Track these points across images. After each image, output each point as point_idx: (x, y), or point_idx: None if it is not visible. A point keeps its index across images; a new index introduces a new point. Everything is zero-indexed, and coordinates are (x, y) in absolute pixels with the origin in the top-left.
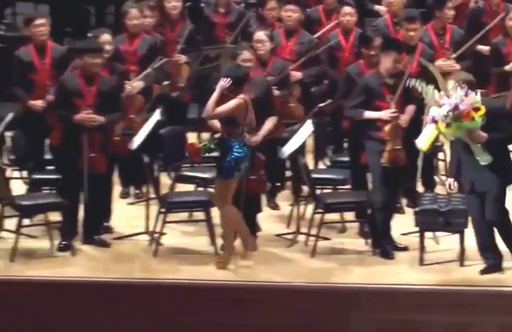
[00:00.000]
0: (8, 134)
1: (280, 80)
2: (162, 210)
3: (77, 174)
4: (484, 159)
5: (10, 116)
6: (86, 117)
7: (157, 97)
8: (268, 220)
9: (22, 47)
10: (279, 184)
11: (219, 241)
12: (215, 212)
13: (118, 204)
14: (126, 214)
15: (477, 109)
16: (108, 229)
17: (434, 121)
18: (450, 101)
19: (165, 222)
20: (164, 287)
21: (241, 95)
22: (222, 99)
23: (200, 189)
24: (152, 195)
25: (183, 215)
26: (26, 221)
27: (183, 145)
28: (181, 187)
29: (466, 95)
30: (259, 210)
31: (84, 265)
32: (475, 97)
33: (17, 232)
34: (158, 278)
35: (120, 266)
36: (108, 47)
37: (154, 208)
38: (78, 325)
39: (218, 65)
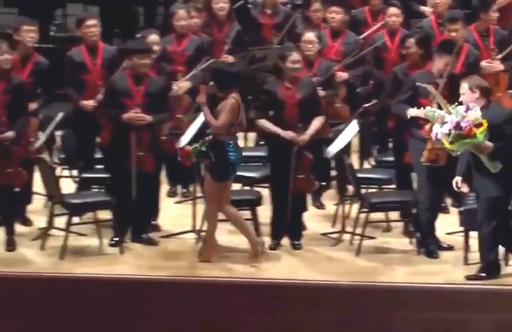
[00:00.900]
0: (58, 133)
1: (326, 80)
2: None
3: (125, 173)
4: (494, 167)
5: (60, 116)
6: (135, 116)
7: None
8: (314, 220)
9: (74, 47)
10: (324, 183)
11: (266, 240)
12: (261, 211)
13: (166, 203)
14: (174, 213)
15: (478, 125)
16: (156, 228)
17: (437, 139)
18: (451, 119)
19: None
20: (209, 285)
21: (232, 94)
22: (214, 101)
23: (247, 187)
24: (199, 194)
25: None
26: (76, 219)
27: None
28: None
29: (467, 110)
30: (305, 209)
31: (131, 263)
32: (476, 113)
33: (67, 230)
34: (204, 276)
35: (166, 264)
36: (156, 47)
37: (201, 207)
38: (124, 321)
39: (265, 65)
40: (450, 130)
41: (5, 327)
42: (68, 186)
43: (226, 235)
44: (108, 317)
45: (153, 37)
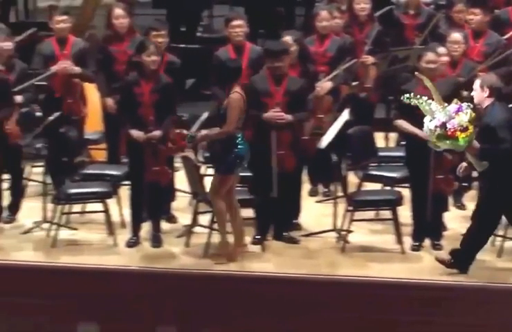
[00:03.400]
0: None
1: (468, 81)
2: (350, 208)
3: (266, 172)
4: (480, 166)
5: (205, 115)
6: (275, 115)
7: (345, 97)
8: (455, 220)
9: (221, 47)
10: (466, 184)
11: (407, 240)
12: (402, 211)
13: (307, 202)
14: (315, 212)
15: (464, 129)
16: (297, 227)
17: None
18: (439, 117)
19: (352, 220)
20: (348, 283)
21: (236, 89)
22: None
23: (388, 188)
24: (340, 193)
25: (370, 213)
26: None
27: (370, 145)
28: (368, 186)
29: (458, 112)
30: (446, 210)
31: (272, 260)
32: (464, 117)
33: (210, 227)
34: (343, 275)
35: (307, 262)
36: (293, 48)
37: (342, 206)
38: (260, 320)
39: (406, 66)
40: (435, 127)
41: (153, 318)
42: None
43: (366, 235)
44: (245, 314)
45: (288, 38)
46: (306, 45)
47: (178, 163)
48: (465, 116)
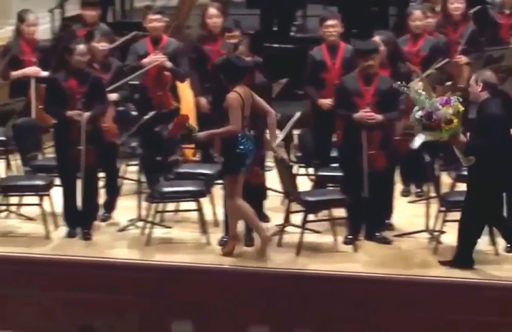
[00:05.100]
0: (296, 132)
1: None
2: (443, 209)
3: (358, 171)
4: (466, 161)
5: (297, 115)
6: (365, 115)
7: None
8: None
9: (315, 47)
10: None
11: (501, 242)
12: None
13: (399, 202)
14: (407, 212)
15: (448, 122)
16: (390, 227)
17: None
18: (426, 107)
19: (444, 221)
20: (440, 284)
21: (237, 88)
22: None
23: None
24: (433, 194)
25: None
26: (311, 216)
27: None
28: (462, 186)
29: (446, 104)
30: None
31: (363, 260)
32: (447, 110)
33: (303, 226)
34: (435, 276)
35: (399, 263)
36: (381, 48)
37: (434, 207)
38: (353, 319)
39: (501, 66)
40: (421, 117)
41: (245, 317)
42: (304, 184)
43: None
44: (337, 315)
45: (377, 38)
46: (399, 45)
47: (270, 163)
48: (451, 109)
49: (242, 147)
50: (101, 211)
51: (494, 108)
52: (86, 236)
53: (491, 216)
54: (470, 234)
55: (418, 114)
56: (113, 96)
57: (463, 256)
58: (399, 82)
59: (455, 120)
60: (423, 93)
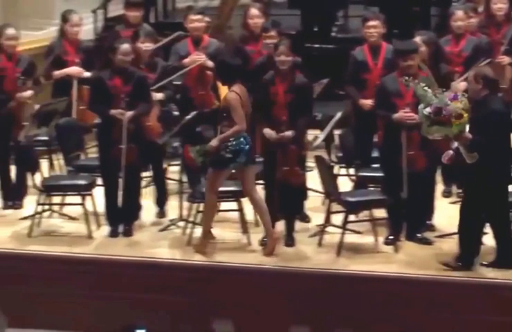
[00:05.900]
0: (337, 132)
1: None
2: None
3: (398, 172)
4: (470, 157)
5: (338, 115)
6: (405, 116)
7: None
8: None
9: (358, 47)
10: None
11: None
12: None
13: (441, 203)
14: (448, 213)
15: (459, 116)
16: (431, 227)
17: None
18: (435, 103)
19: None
20: (482, 286)
21: (234, 88)
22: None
23: None
24: None
25: None
26: (352, 217)
27: None
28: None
29: (453, 99)
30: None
31: (404, 261)
32: (457, 105)
33: (343, 227)
34: (476, 276)
35: (437, 263)
36: (422, 48)
37: None
38: (394, 320)
39: None
40: (430, 113)
41: (287, 317)
42: (345, 184)
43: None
44: (378, 315)
45: (417, 39)
46: (441, 45)
47: (311, 163)
48: (460, 104)
49: (232, 144)
50: (156, 209)
51: (497, 104)
52: (127, 233)
53: (493, 212)
54: (470, 233)
55: (427, 110)
56: (159, 96)
57: (466, 256)
58: (405, 78)
59: (465, 115)
60: (429, 90)
